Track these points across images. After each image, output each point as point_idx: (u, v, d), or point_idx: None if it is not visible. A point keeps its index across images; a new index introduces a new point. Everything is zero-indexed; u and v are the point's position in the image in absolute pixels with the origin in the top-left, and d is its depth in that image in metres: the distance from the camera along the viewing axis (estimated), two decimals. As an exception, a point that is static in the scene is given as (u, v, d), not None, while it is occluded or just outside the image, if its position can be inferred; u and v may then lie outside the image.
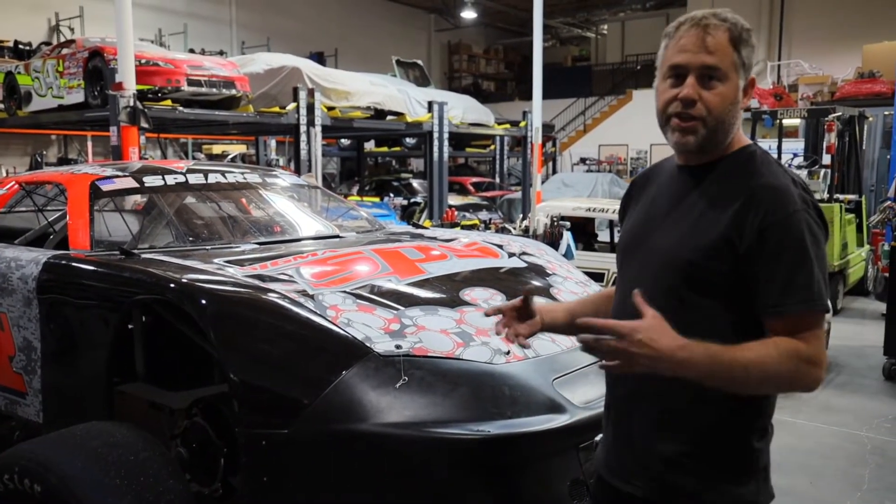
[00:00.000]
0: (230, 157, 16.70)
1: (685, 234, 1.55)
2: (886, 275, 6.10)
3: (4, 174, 13.10)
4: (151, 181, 3.71)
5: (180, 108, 8.67)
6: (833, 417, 5.03)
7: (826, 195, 8.60)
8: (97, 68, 8.45)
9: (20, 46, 14.52)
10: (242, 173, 4.10)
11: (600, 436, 1.77)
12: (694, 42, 1.52)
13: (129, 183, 3.70)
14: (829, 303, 1.48)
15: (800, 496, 3.82)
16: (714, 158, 1.58)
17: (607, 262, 7.56)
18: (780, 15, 19.45)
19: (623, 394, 1.64)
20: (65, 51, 9.33)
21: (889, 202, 7.17)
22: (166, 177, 3.74)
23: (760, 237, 1.46)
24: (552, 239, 7.94)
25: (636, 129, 19.76)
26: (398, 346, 2.31)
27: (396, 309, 2.57)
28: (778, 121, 9.80)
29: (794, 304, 1.45)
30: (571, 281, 3.31)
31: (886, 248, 6.23)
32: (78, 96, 8.82)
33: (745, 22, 1.55)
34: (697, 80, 1.52)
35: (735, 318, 1.51)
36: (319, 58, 18.52)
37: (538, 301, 1.83)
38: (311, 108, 10.09)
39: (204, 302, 2.37)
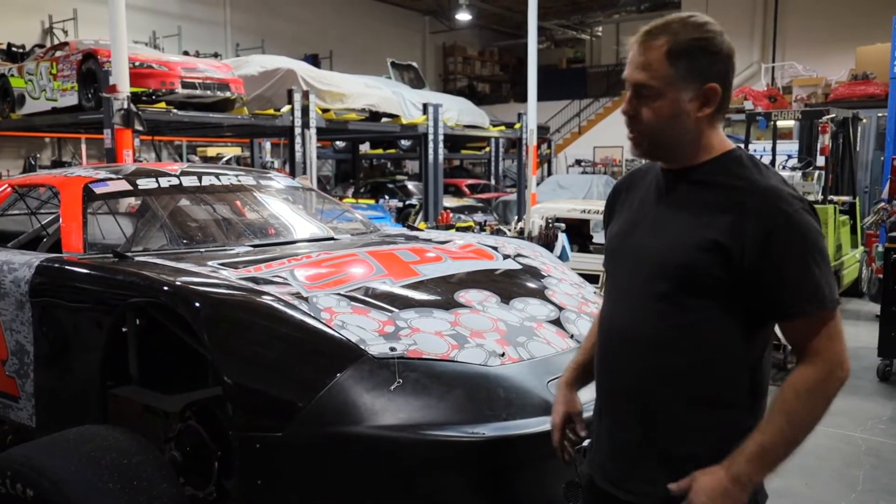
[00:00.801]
0: (225, 159, 16.66)
1: (677, 237, 1.53)
2: (880, 276, 6.11)
3: (-2, 177, 13.04)
4: (145, 184, 3.70)
5: (174, 111, 8.63)
6: (828, 419, 4.91)
7: (820, 197, 8.61)
8: (91, 71, 8.41)
9: (13, 49, 14.46)
10: (237, 175, 4.09)
11: (587, 441, 1.75)
12: (632, 57, 1.54)
13: (123, 185, 3.69)
14: (837, 296, 1.48)
15: (796, 497, 3.82)
16: (695, 163, 1.56)
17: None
18: (774, 17, 19.50)
19: (619, 398, 1.61)
20: (58, 53, 9.29)
21: (883, 203, 7.19)
22: (160, 179, 3.73)
23: (765, 242, 1.44)
24: (547, 241, 7.94)
25: (631, 130, 19.72)
26: (393, 349, 2.31)
27: (391, 311, 2.56)
28: (772, 122, 9.84)
29: (806, 305, 1.45)
30: (566, 283, 3.32)
31: (880, 249, 6.23)
32: (72, 99, 8.78)
33: (699, 31, 1.50)
34: (633, 95, 1.54)
35: (736, 319, 1.49)
36: (314, 60, 18.51)
37: (564, 388, 1.87)
38: (305, 111, 10.06)
39: (198, 304, 2.37)
